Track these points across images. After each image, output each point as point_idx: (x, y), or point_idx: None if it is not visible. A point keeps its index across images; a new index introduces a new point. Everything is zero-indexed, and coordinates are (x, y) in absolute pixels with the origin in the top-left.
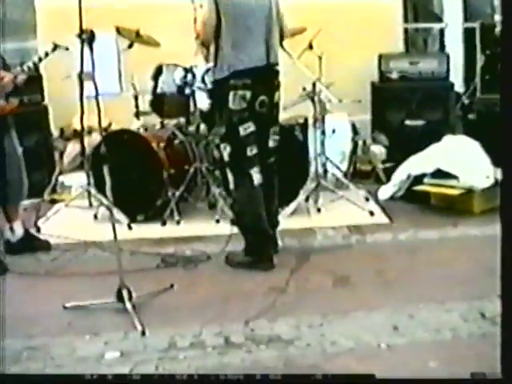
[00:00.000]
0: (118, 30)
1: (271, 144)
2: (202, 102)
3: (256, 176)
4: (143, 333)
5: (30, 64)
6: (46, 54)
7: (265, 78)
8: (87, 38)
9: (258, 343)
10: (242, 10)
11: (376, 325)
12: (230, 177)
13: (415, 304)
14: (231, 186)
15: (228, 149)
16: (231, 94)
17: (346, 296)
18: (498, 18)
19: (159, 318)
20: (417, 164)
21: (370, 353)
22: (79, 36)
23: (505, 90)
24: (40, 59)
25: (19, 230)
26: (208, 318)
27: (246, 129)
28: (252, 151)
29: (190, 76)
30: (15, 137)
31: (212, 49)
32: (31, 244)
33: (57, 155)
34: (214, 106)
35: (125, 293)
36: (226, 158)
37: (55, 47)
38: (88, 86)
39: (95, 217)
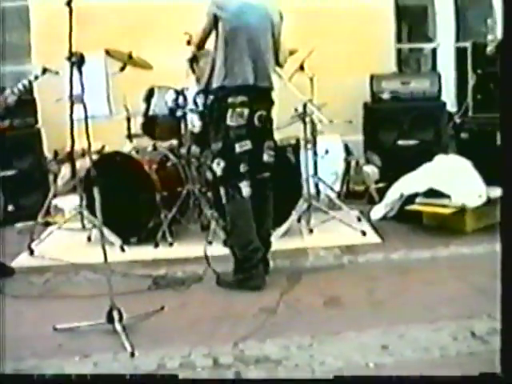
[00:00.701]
0: (109, 53)
1: (266, 159)
2: (194, 124)
3: (245, 189)
4: (132, 354)
5: (20, 86)
6: (36, 77)
7: (259, 94)
8: (76, 60)
9: (246, 364)
10: (240, 30)
11: (365, 345)
12: (222, 191)
13: (405, 324)
14: (223, 200)
15: (222, 164)
16: (229, 111)
17: (337, 316)
18: (490, 37)
19: (149, 340)
20: (409, 184)
21: (357, 372)
22: (68, 59)
23: (504, 109)
24: (30, 82)
25: None
26: (197, 339)
27: (242, 146)
28: (245, 168)
29: (181, 98)
30: None
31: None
32: None
33: (51, 178)
34: (211, 123)
35: (115, 314)
36: (219, 172)
37: (44, 71)
38: (78, 108)
39: (89, 239)
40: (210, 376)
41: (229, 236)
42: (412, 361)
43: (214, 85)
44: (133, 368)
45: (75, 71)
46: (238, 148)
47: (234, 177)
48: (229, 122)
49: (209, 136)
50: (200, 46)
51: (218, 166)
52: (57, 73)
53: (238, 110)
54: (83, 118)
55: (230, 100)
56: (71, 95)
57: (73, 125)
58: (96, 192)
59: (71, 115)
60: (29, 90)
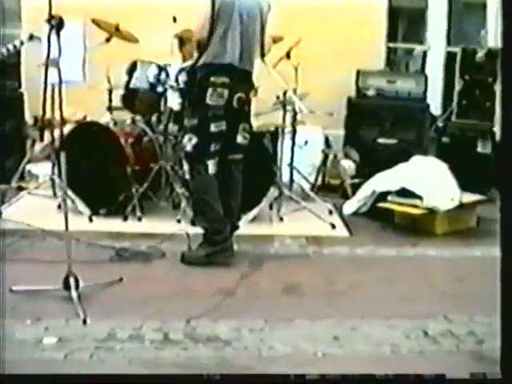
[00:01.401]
0: (96, 22)
1: (240, 140)
2: (174, 101)
3: (212, 167)
4: (84, 321)
5: (3, 50)
6: (22, 43)
7: (241, 77)
8: (56, 24)
9: (196, 341)
10: (235, 13)
11: (317, 334)
12: (186, 166)
13: (360, 317)
14: (187, 175)
15: (194, 140)
16: (210, 90)
17: (293, 304)
18: (483, 43)
19: (103, 309)
20: (382, 181)
21: (304, 360)
22: (48, 21)
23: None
24: (15, 47)
25: None
26: (151, 313)
27: (218, 126)
28: (215, 147)
29: (163, 74)
30: None
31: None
32: None
33: (29, 143)
34: (189, 100)
35: (72, 281)
36: (188, 148)
37: (31, 37)
38: (53, 72)
39: (59, 206)
40: (157, 351)
41: (196, 212)
42: (361, 354)
43: (201, 62)
44: (83, 335)
45: (53, 34)
46: (212, 127)
47: (203, 154)
48: (208, 100)
49: (185, 111)
50: (203, 39)
51: (189, 142)
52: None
53: (219, 90)
54: (57, 83)
55: (212, 79)
56: (47, 58)
57: (46, 87)
58: (63, 159)
59: (45, 78)
60: (13, 54)
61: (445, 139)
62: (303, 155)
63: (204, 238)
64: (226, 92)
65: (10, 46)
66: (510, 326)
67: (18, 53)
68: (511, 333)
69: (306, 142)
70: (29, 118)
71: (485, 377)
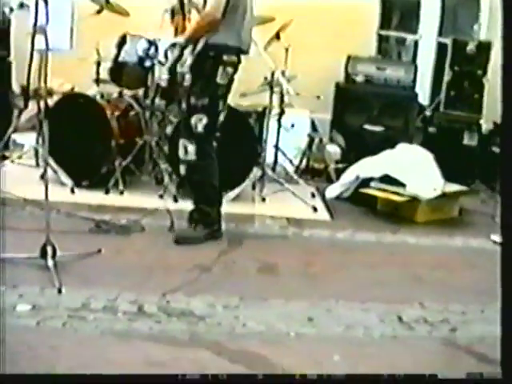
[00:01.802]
0: None
1: (221, 118)
2: (161, 76)
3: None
4: (59, 290)
5: None
6: (11, 10)
7: (240, 57)
8: None
9: (169, 315)
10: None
11: (291, 314)
12: (192, 147)
13: (335, 300)
14: (191, 156)
15: (205, 121)
16: (220, 68)
17: (269, 284)
18: (475, 36)
19: (79, 279)
20: (366, 167)
21: (277, 339)
22: None
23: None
24: (4, 14)
25: None
26: (127, 285)
27: (222, 104)
28: (219, 124)
29: (152, 49)
30: None
31: None
32: None
33: (16, 113)
34: (198, 78)
35: (49, 250)
36: (199, 129)
37: (21, 5)
38: (40, 39)
39: (42, 177)
40: (130, 323)
41: (199, 194)
42: (334, 336)
43: (214, 41)
44: (57, 304)
45: (41, 0)
46: (220, 106)
47: (212, 135)
48: (219, 79)
49: (192, 90)
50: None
51: (200, 122)
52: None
53: (228, 68)
54: (43, 50)
55: (224, 58)
56: (35, 25)
57: (32, 54)
58: (46, 129)
59: (32, 44)
60: (4, 21)
61: (431, 129)
62: (289, 138)
63: (201, 219)
64: (231, 71)
65: None
66: (510, 326)
67: (7, 21)
68: (511, 333)
69: (293, 125)
70: (16, 88)
71: (483, 377)
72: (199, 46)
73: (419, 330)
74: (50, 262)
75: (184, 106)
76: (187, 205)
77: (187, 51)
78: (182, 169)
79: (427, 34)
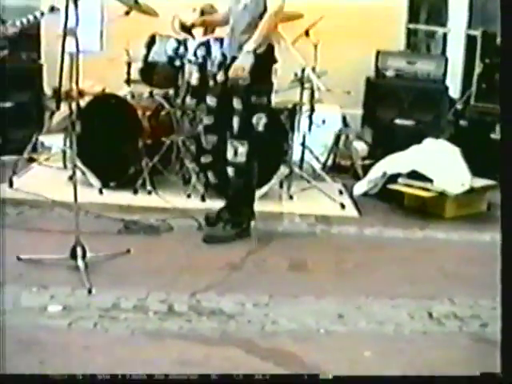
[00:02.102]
0: None
1: None
2: (192, 75)
3: None
4: (90, 291)
5: (24, 20)
6: (42, 14)
7: None
8: None
9: (199, 314)
10: None
11: (321, 311)
12: (244, 148)
13: (365, 296)
14: (243, 157)
15: (264, 120)
16: (274, 67)
17: (299, 281)
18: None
19: (109, 280)
20: (393, 163)
21: (307, 336)
22: None
23: (504, 99)
24: (35, 17)
25: None
26: (157, 285)
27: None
28: None
29: (182, 48)
30: None
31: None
32: None
33: (47, 115)
34: (258, 78)
35: (79, 251)
36: (260, 128)
37: (52, 9)
38: (71, 42)
39: (70, 178)
40: (161, 322)
41: (242, 195)
42: (365, 332)
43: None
44: (87, 304)
45: (71, 3)
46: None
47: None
48: (273, 78)
49: (252, 89)
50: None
51: (260, 121)
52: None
53: (275, 67)
54: (74, 52)
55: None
56: (65, 27)
57: (63, 55)
58: (76, 131)
59: (63, 47)
60: (35, 25)
61: (463, 122)
62: (319, 134)
63: (231, 218)
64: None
65: (31, 17)
66: (510, 326)
67: (37, 24)
68: (511, 332)
69: (324, 121)
70: (47, 90)
71: (484, 376)
72: (263, 46)
73: (449, 326)
74: (81, 263)
75: (240, 105)
76: (215, 204)
77: (215, 50)
78: (230, 171)
79: (456, 27)
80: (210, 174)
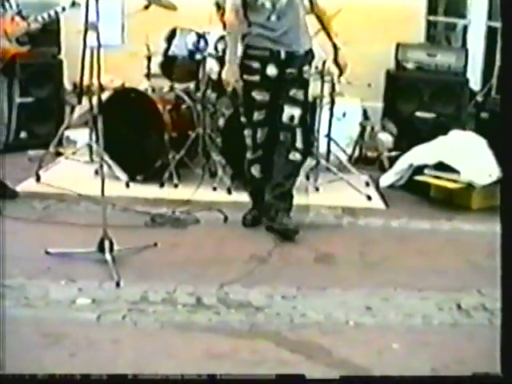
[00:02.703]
0: None
1: None
2: (212, 69)
3: None
4: (118, 284)
5: (45, 15)
6: (64, 9)
7: None
8: None
9: (228, 306)
10: None
11: (349, 303)
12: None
13: (393, 288)
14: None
15: (299, 112)
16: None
17: (326, 273)
18: None
19: (137, 273)
20: (420, 154)
21: (336, 328)
22: None
23: (505, 91)
24: (56, 13)
25: None
26: (185, 277)
27: None
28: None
29: (202, 42)
30: (17, 87)
31: None
32: None
33: (68, 109)
34: (301, 74)
35: (106, 244)
36: (296, 121)
37: (73, 4)
38: (92, 36)
39: (96, 172)
40: (190, 315)
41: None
42: (393, 324)
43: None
44: (115, 297)
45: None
46: None
47: None
48: (306, 75)
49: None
50: None
51: (297, 113)
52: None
53: None
54: (95, 46)
55: None
56: (86, 22)
57: (85, 50)
58: (100, 125)
59: (84, 41)
60: (55, 20)
61: (484, 114)
62: (341, 127)
63: (290, 206)
64: None
65: (52, 12)
66: (511, 326)
67: (57, 19)
68: (511, 332)
69: (344, 114)
70: (68, 85)
71: (485, 376)
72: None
73: (478, 318)
74: (108, 256)
75: (302, 96)
76: (241, 197)
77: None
78: (292, 155)
79: (476, 18)
80: (255, 169)
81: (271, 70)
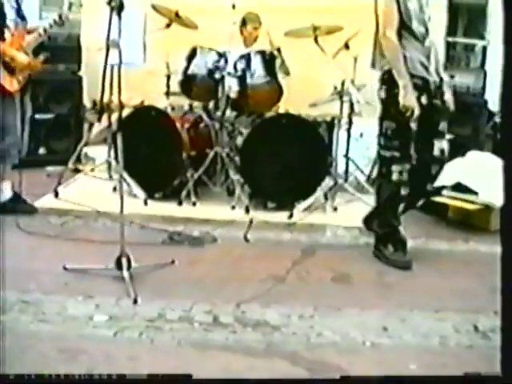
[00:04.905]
0: (156, 8)
1: None
2: (232, 88)
3: None
4: (135, 301)
5: (47, 25)
6: (51, 26)
7: None
8: (116, 5)
9: (245, 325)
10: None
11: (366, 324)
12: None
13: (409, 309)
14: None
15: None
16: None
17: (343, 293)
18: None
19: (154, 290)
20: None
21: (353, 348)
22: (108, 3)
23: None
24: (51, 26)
25: (7, 191)
26: (202, 296)
27: None
28: None
29: (222, 61)
30: (28, 101)
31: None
32: (17, 206)
33: (86, 126)
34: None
35: (124, 261)
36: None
37: (55, 22)
38: (113, 54)
39: (114, 189)
40: (206, 333)
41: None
42: (410, 345)
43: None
44: (133, 314)
45: (114, 15)
46: None
47: None
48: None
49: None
50: None
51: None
52: None
53: None
54: (116, 64)
55: None
56: (108, 39)
57: (106, 69)
58: (119, 142)
59: (106, 59)
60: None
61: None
62: (359, 147)
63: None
64: None
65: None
66: (510, 326)
67: (77, 37)
68: (511, 333)
69: (362, 134)
70: (87, 102)
71: (484, 376)
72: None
73: (495, 340)
74: (126, 273)
75: (446, 128)
76: (258, 215)
77: (256, 63)
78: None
79: (495, 39)
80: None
81: (424, 100)
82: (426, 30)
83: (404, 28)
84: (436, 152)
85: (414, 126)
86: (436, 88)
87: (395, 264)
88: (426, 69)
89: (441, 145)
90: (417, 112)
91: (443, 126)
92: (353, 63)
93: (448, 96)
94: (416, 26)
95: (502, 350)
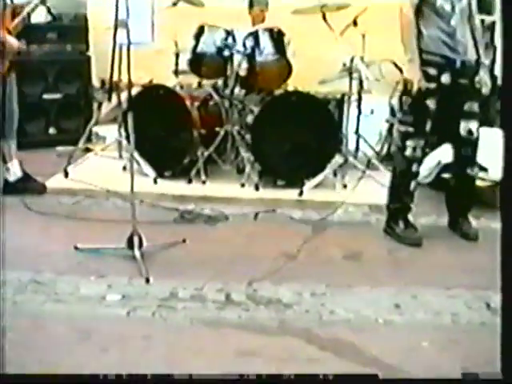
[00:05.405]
0: None
1: None
2: (241, 65)
3: None
4: (147, 280)
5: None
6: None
7: None
8: None
9: (257, 303)
10: None
11: (378, 301)
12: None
13: (421, 286)
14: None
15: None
16: None
17: (354, 270)
18: None
19: (166, 269)
20: (448, 152)
21: (365, 326)
22: None
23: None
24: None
25: (16, 171)
26: (214, 274)
27: None
28: None
29: (230, 39)
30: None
31: None
32: (27, 185)
33: (95, 106)
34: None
35: (135, 240)
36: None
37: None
38: (121, 33)
39: (124, 168)
40: (219, 312)
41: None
42: (422, 322)
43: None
44: (145, 293)
45: None
46: None
47: None
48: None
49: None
50: None
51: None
52: None
53: None
54: (125, 44)
55: None
56: (116, 19)
57: (115, 48)
58: (130, 121)
59: (114, 39)
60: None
61: None
62: (369, 124)
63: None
64: None
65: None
66: (510, 326)
67: (84, 17)
68: (511, 332)
69: (372, 111)
70: (96, 81)
71: (484, 377)
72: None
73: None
74: (137, 253)
75: (478, 109)
76: (268, 193)
77: (264, 40)
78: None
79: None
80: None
81: (445, 79)
82: (453, 8)
83: (425, 4)
84: (463, 132)
85: (431, 103)
86: (465, 68)
87: (406, 241)
88: (450, 48)
89: (467, 125)
90: (417, 87)
91: (470, 105)
92: (361, 40)
93: (481, 77)
94: (441, 4)
95: (502, 349)
